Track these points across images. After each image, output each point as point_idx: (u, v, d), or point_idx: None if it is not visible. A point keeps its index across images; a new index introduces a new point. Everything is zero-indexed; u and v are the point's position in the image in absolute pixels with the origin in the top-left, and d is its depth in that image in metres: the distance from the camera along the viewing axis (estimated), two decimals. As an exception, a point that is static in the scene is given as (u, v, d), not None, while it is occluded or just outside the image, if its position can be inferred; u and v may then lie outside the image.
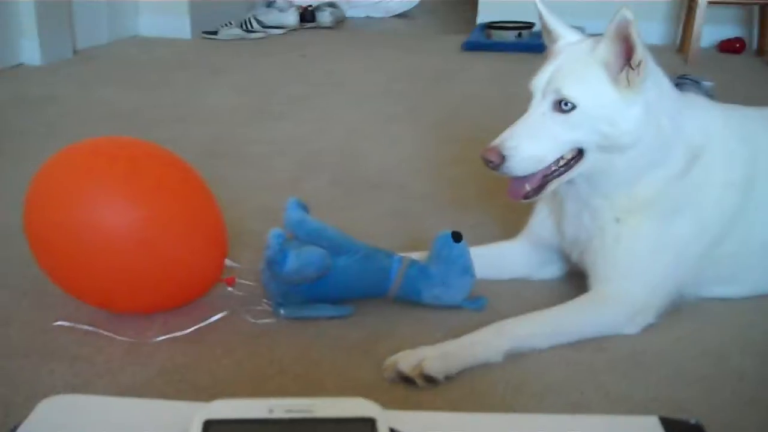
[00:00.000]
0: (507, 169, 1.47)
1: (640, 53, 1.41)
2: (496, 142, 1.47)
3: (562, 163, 1.49)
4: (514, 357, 1.42)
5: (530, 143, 1.46)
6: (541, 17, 1.59)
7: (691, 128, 1.54)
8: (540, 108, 1.48)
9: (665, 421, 0.73)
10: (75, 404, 0.76)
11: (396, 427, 0.62)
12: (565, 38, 1.55)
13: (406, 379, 1.34)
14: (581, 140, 1.46)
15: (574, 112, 1.44)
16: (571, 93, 1.44)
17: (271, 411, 0.61)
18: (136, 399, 0.77)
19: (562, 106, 1.45)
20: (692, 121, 1.55)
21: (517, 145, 1.46)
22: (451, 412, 0.76)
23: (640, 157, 1.48)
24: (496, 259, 1.74)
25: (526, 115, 1.50)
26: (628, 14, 1.39)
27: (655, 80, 1.48)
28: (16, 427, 0.70)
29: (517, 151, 1.46)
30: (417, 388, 1.33)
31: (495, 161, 1.46)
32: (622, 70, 1.43)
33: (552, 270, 1.75)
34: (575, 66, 1.47)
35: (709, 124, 1.58)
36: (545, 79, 1.49)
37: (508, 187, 1.53)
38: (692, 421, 0.74)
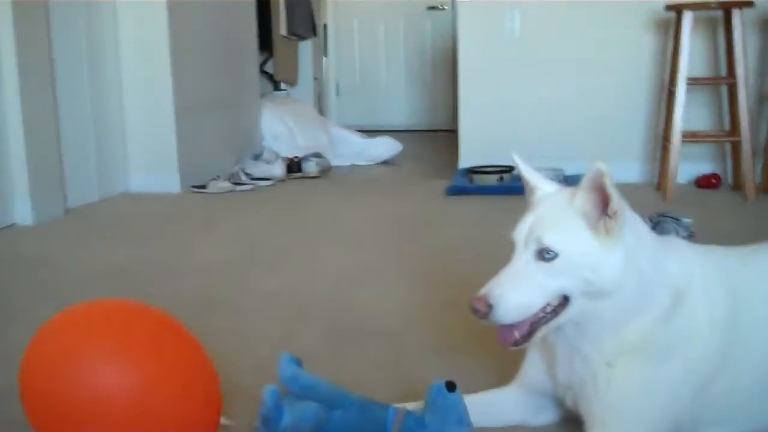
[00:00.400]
0: (495, 317, 1.49)
1: (616, 203, 1.46)
2: (483, 291, 1.51)
3: (549, 309, 1.52)
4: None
5: (516, 292, 1.49)
6: (518, 168, 1.65)
7: (673, 270, 1.57)
8: (523, 257, 1.52)
9: None
10: None
11: None
12: (543, 189, 1.61)
13: None
14: (565, 287, 1.50)
15: (556, 261, 1.48)
16: (552, 242, 1.48)
17: None
18: None
19: (545, 255, 1.48)
20: (673, 263, 1.59)
21: (502, 293, 1.49)
22: None
23: (625, 302, 1.51)
24: (490, 407, 1.75)
25: (510, 264, 1.54)
26: (602, 166, 1.45)
27: (633, 227, 1.53)
28: None
29: (504, 300, 1.49)
30: None
31: (482, 310, 1.49)
32: (600, 219, 1.48)
33: (548, 416, 1.75)
34: (554, 216, 1.52)
35: (688, 264, 1.62)
36: (526, 230, 1.53)
37: (497, 335, 1.56)
38: None
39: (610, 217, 1.46)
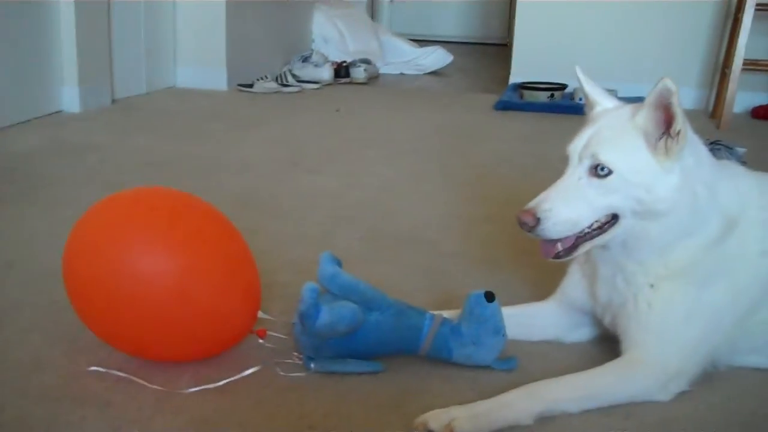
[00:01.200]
0: (541, 231, 1.47)
1: (680, 122, 1.42)
2: (532, 204, 1.49)
3: (595, 226, 1.49)
4: (545, 420, 1.41)
5: (565, 207, 1.47)
6: (579, 83, 1.62)
7: (727, 197, 1.54)
8: (576, 172, 1.49)
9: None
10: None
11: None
12: (602, 104, 1.58)
13: (436, 439, 1.34)
14: (616, 206, 1.47)
15: (610, 178, 1.45)
16: (607, 158, 1.45)
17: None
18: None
19: (598, 171, 1.46)
20: (728, 191, 1.55)
21: (551, 208, 1.47)
22: None
23: (675, 225, 1.48)
24: (527, 320, 1.74)
25: (562, 179, 1.51)
26: (671, 84, 1.40)
27: (693, 149, 1.49)
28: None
29: (552, 214, 1.47)
30: (447, 448, 1.32)
31: (529, 223, 1.47)
32: (660, 138, 1.44)
33: (583, 333, 1.74)
34: (613, 132, 1.48)
35: (746, 192, 1.58)
36: (582, 144, 1.50)
37: (540, 246, 1.54)
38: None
39: (671, 137, 1.42)
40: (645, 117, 1.44)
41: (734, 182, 1.58)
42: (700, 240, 1.51)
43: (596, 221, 1.49)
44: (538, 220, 1.47)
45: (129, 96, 4.66)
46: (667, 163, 1.44)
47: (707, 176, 1.51)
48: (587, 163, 1.47)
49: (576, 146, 1.51)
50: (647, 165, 1.44)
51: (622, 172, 1.45)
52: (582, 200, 1.47)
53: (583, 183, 1.48)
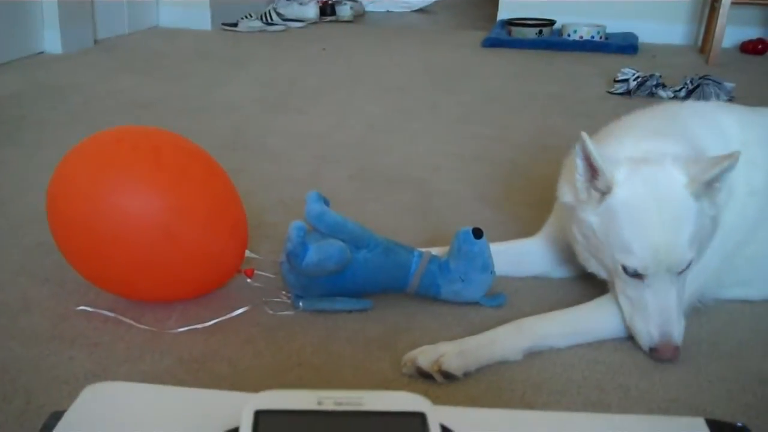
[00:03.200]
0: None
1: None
2: (663, 339, 1.40)
3: None
4: (533, 355, 1.42)
5: (682, 318, 1.42)
6: (587, 151, 1.41)
7: (706, 143, 1.52)
8: (665, 283, 1.40)
9: (711, 423, 0.72)
10: (120, 391, 0.76)
11: (445, 422, 0.62)
12: (617, 174, 1.41)
13: (424, 375, 1.34)
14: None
15: (692, 263, 1.42)
16: (689, 256, 1.39)
17: (320, 403, 0.61)
18: (182, 388, 0.76)
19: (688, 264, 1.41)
20: (712, 137, 1.54)
21: (680, 331, 1.41)
22: (501, 409, 0.75)
23: None
24: (514, 256, 1.74)
25: (656, 295, 1.41)
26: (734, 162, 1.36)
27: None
28: (60, 413, 0.70)
29: (682, 336, 1.42)
30: (435, 384, 1.33)
31: (675, 358, 1.41)
32: (709, 187, 1.40)
33: (571, 268, 1.74)
34: (679, 225, 1.38)
35: (727, 131, 1.57)
36: (658, 257, 1.38)
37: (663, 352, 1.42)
38: (739, 425, 0.73)
39: (719, 184, 1.39)
40: (702, 188, 1.38)
41: (715, 126, 1.56)
42: None
43: None
44: (678, 350, 1.41)
45: (111, 36, 4.59)
46: (714, 209, 1.42)
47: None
48: (677, 270, 1.40)
49: (651, 261, 1.39)
50: (707, 228, 1.42)
51: (696, 255, 1.41)
52: (683, 299, 1.44)
53: (677, 288, 1.41)
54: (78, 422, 0.69)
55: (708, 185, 1.38)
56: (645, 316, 1.42)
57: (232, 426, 0.61)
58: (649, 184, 1.40)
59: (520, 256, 1.74)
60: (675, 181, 1.39)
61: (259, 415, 0.60)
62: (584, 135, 1.40)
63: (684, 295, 1.44)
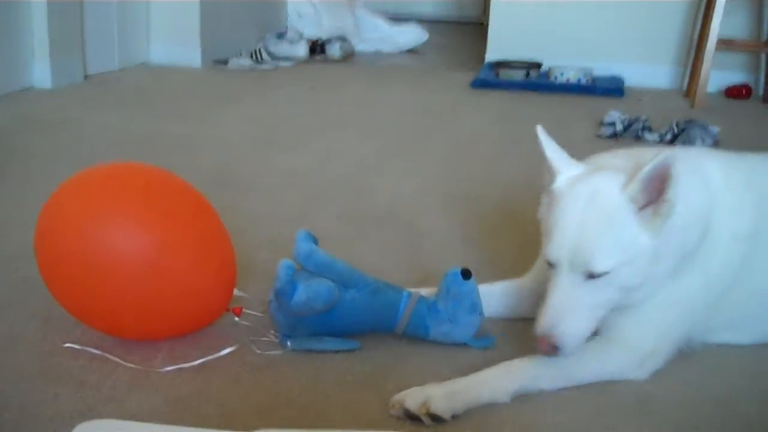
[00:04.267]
0: (564, 354, 1.41)
1: (674, 188, 1.37)
2: (542, 330, 1.41)
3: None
4: (521, 398, 1.42)
5: (575, 321, 1.41)
6: (540, 146, 1.52)
7: (697, 198, 1.51)
8: (569, 280, 1.41)
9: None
10: (112, 429, 0.76)
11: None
12: (566, 172, 1.48)
13: (412, 417, 1.33)
14: (616, 297, 1.44)
15: (607, 276, 1.40)
16: (602, 266, 1.39)
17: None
18: (175, 427, 0.76)
19: (594, 275, 1.40)
20: (696, 189, 1.52)
21: (564, 330, 1.40)
22: None
23: (671, 266, 1.47)
24: (503, 298, 1.74)
25: (556, 288, 1.42)
26: (671, 157, 1.35)
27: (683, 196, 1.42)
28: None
29: (567, 337, 1.40)
30: (423, 426, 1.32)
31: (549, 352, 1.41)
32: (650, 205, 1.39)
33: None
34: (600, 227, 1.40)
35: (710, 177, 1.57)
36: (568, 250, 1.40)
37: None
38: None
39: (663, 201, 1.38)
40: (639, 190, 1.38)
41: (697, 170, 1.56)
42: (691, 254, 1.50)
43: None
44: (555, 348, 1.40)
45: (101, 72, 4.60)
46: (655, 227, 1.39)
47: (700, 212, 1.48)
48: (581, 270, 1.40)
49: (561, 251, 1.41)
50: (640, 245, 1.39)
51: (619, 270, 1.40)
52: (586, 307, 1.42)
53: (582, 291, 1.41)
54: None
55: (646, 196, 1.38)
56: (542, 306, 1.43)
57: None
58: (589, 182, 1.44)
59: (508, 298, 1.74)
60: (613, 185, 1.41)
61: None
62: (539, 128, 1.51)
63: (602, 307, 1.43)
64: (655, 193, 1.38)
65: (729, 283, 1.57)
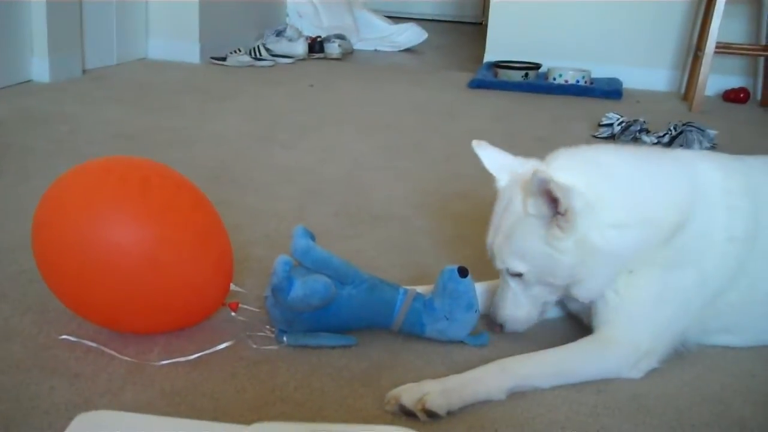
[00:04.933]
0: (513, 331, 1.61)
1: (564, 203, 1.42)
2: (491, 315, 1.62)
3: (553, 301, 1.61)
4: (516, 395, 1.42)
5: (515, 309, 1.59)
6: (479, 156, 1.69)
7: (660, 207, 1.52)
8: (504, 273, 1.59)
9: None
10: (110, 420, 0.76)
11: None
12: (502, 176, 1.62)
13: (407, 413, 1.34)
14: (543, 293, 1.57)
15: (524, 276, 1.54)
16: (514, 265, 1.53)
17: (313, 435, 0.61)
18: (172, 418, 0.76)
19: (513, 273, 1.55)
20: (673, 192, 1.55)
21: (506, 318, 1.60)
22: None
23: (603, 276, 1.52)
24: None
25: (501, 281, 1.61)
26: (543, 174, 1.41)
27: (592, 205, 1.45)
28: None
29: (510, 323, 1.60)
30: (418, 422, 1.32)
31: (497, 330, 1.62)
32: (554, 217, 1.45)
33: (555, 310, 1.74)
34: (511, 232, 1.53)
35: (706, 178, 1.58)
36: (492, 251, 1.58)
37: None
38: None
39: (562, 215, 1.43)
40: (533, 205, 1.47)
41: (689, 172, 1.58)
42: (649, 250, 1.52)
43: (546, 303, 1.60)
44: (503, 328, 1.60)
45: (100, 67, 4.59)
46: (564, 241, 1.46)
47: (615, 218, 1.48)
48: (504, 267, 1.56)
49: (490, 252, 1.59)
50: (548, 256, 1.48)
51: (530, 270, 1.52)
52: (521, 297, 1.57)
53: (512, 283, 1.57)
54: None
55: (547, 209, 1.45)
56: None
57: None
58: (512, 190, 1.54)
59: None
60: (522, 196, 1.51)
61: (253, 447, 0.59)
62: (474, 143, 1.70)
63: (537, 299, 1.57)
64: (551, 206, 1.44)
65: (724, 283, 1.58)
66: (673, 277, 1.54)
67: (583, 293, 1.53)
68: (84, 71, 4.42)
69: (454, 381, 1.40)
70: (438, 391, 1.36)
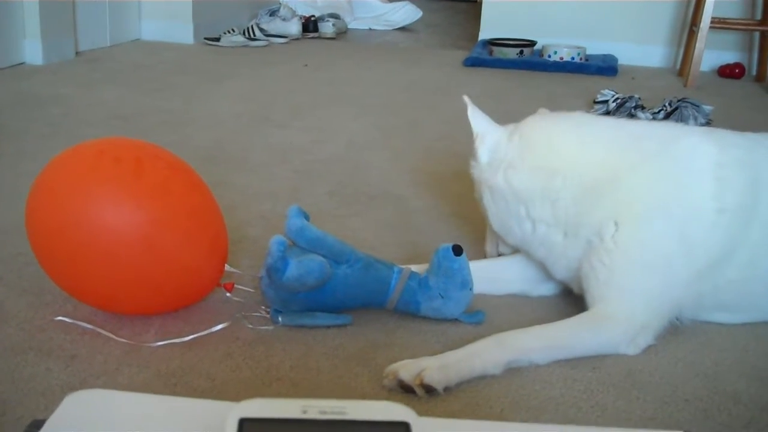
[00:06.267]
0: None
1: (473, 128, 1.74)
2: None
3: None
4: (512, 372, 1.42)
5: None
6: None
7: (568, 161, 1.61)
8: None
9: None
10: (103, 399, 0.76)
11: (429, 433, 0.62)
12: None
13: (405, 388, 1.34)
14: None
15: None
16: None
17: (304, 411, 0.61)
18: (166, 396, 0.76)
19: None
20: (574, 153, 1.62)
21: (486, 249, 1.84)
22: (483, 421, 0.75)
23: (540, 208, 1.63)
24: (494, 274, 1.75)
25: None
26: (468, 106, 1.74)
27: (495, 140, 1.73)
28: (40, 422, 0.70)
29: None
30: (415, 399, 1.33)
31: None
32: None
33: (549, 287, 1.75)
34: None
35: (701, 149, 1.59)
36: None
37: None
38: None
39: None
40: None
41: (672, 145, 1.60)
42: (566, 200, 1.60)
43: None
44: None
45: (93, 48, 4.58)
46: (475, 170, 1.77)
47: (510, 161, 1.67)
48: None
49: None
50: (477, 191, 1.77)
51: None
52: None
53: None
54: (60, 429, 0.69)
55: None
56: None
57: (215, 434, 0.60)
58: None
59: (498, 274, 1.75)
60: None
61: (243, 423, 0.59)
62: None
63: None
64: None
65: (716, 256, 1.56)
66: (652, 239, 1.53)
67: (505, 235, 1.71)
68: (77, 53, 4.40)
69: (452, 356, 1.41)
70: (436, 367, 1.36)
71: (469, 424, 0.75)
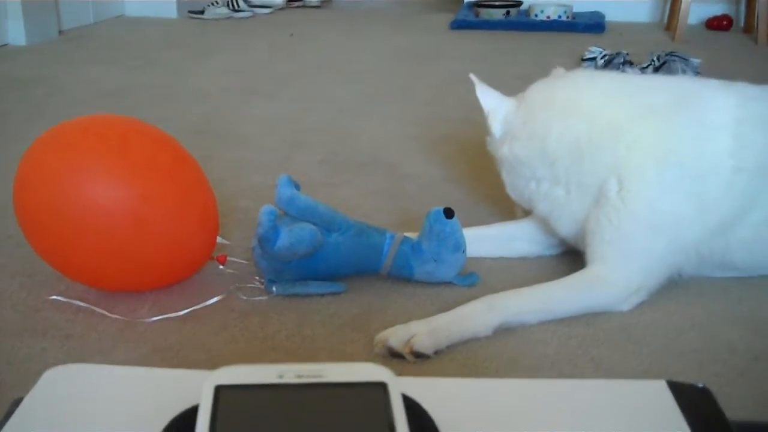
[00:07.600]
0: None
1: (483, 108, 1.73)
2: None
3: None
4: (506, 332, 1.43)
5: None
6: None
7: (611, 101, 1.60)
8: None
9: (673, 385, 0.73)
10: (81, 373, 0.75)
11: (408, 392, 0.62)
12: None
13: (396, 355, 1.34)
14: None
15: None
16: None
17: (280, 376, 0.61)
18: (143, 368, 0.76)
19: None
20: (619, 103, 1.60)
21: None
22: (462, 378, 0.75)
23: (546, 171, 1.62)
24: (505, 242, 1.75)
25: None
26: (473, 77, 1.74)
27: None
28: (21, 399, 0.70)
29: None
30: (408, 363, 1.33)
31: None
32: None
33: (552, 249, 1.74)
34: None
35: (721, 104, 1.53)
36: None
37: None
38: (700, 386, 0.74)
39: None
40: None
41: (693, 99, 1.56)
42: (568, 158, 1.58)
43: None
44: None
45: (76, 27, 4.54)
46: (492, 145, 1.75)
47: (514, 133, 1.67)
48: None
49: None
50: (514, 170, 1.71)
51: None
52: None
53: None
54: (38, 406, 0.69)
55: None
56: None
57: (194, 403, 0.60)
58: None
59: (508, 241, 1.74)
60: None
61: (219, 390, 0.59)
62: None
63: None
64: None
65: (730, 214, 1.52)
66: (661, 198, 1.50)
67: (518, 201, 1.74)
68: (60, 32, 4.37)
69: (441, 320, 1.41)
70: (425, 332, 1.36)
71: (447, 382, 0.75)
